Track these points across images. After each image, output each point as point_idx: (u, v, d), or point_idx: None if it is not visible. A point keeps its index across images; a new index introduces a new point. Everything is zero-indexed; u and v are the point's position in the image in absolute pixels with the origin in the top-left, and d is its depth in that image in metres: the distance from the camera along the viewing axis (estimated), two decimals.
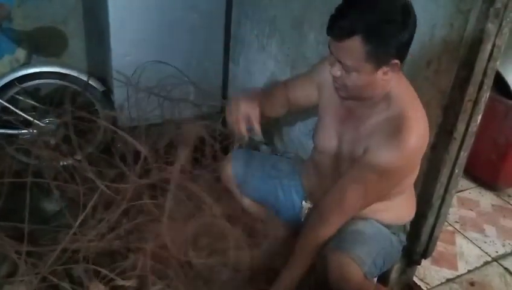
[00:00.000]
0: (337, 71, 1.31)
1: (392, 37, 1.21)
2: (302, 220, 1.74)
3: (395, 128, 1.31)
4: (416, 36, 1.52)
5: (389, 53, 1.23)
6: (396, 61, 1.25)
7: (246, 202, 1.86)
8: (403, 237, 1.60)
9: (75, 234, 1.72)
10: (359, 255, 1.39)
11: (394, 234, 1.55)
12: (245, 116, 1.45)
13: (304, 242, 1.47)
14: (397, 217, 1.57)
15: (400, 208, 1.56)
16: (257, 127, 1.46)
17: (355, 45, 1.20)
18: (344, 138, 1.49)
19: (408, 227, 1.63)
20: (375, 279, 1.57)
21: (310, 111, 2.11)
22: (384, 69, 1.26)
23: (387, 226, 1.54)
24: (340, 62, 1.28)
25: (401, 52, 1.26)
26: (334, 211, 1.43)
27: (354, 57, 1.23)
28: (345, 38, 1.21)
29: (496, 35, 1.39)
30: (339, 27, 1.21)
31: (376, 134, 1.35)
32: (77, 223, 1.69)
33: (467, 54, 1.43)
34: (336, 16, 1.23)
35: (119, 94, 2.31)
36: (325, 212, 1.44)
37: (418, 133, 1.31)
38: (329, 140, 1.55)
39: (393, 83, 1.34)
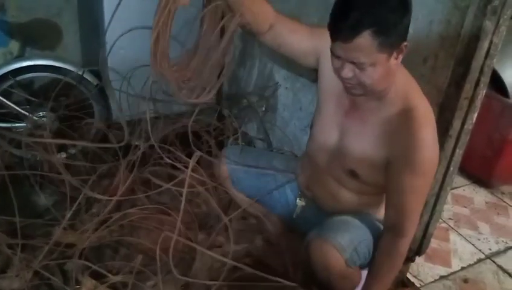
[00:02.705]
0: (349, 72, 1.25)
1: (398, 24, 1.19)
2: (294, 217, 1.73)
3: (412, 124, 1.29)
4: (413, 32, 1.51)
5: (398, 39, 1.22)
6: (405, 43, 1.24)
7: (240, 197, 1.86)
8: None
9: (67, 228, 1.72)
10: (340, 242, 1.40)
11: None
12: None
13: (391, 264, 1.46)
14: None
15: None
16: None
17: (366, 41, 1.17)
18: (347, 131, 1.47)
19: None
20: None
21: (305, 106, 2.11)
22: (395, 54, 1.24)
23: (381, 221, 1.54)
24: (352, 63, 1.23)
25: (407, 34, 1.24)
26: (409, 227, 1.39)
27: (366, 53, 1.19)
28: (354, 37, 1.17)
29: (493, 33, 1.39)
30: (346, 26, 1.17)
31: (395, 135, 1.34)
32: (67, 217, 1.68)
33: (463, 51, 1.42)
34: (337, 15, 1.20)
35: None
36: (402, 230, 1.39)
37: (433, 125, 1.32)
38: (329, 132, 1.52)
39: (398, 73, 1.33)
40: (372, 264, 1.48)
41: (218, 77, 1.62)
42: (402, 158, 1.33)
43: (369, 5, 1.17)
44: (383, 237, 1.44)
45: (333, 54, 1.27)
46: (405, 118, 1.31)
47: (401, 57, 1.27)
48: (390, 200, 1.42)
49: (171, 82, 1.51)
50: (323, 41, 1.39)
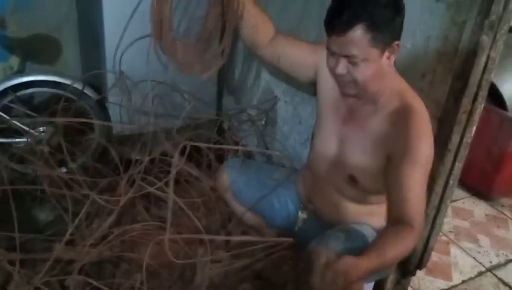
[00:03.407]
0: (343, 69, 1.31)
1: (391, 20, 1.26)
2: (296, 229, 1.73)
3: (409, 119, 1.33)
4: (411, 48, 1.53)
5: (390, 36, 1.28)
6: (397, 42, 1.30)
7: (241, 211, 1.86)
8: None
9: (68, 243, 1.71)
10: (336, 251, 1.38)
11: None
12: None
13: (394, 246, 1.29)
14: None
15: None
16: None
17: (359, 34, 1.24)
18: (346, 140, 1.49)
19: None
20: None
21: (304, 119, 2.12)
22: (387, 53, 1.31)
23: (378, 232, 1.54)
24: (346, 56, 1.29)
25: (399, 33, 1.31)
26: (416, 217, 1.31)
27: (360, 46, 1.26)
28: (348, 30, 1.24)
29: (491, 47, 1.40)
30: (340, 21, 1.25)
31: (393, 131, 1.36)
32: (68, 232, 1.67)
33: (461, 65, 1.43)
34: (333, 12, 1.28)
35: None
36: (408, 221, 1.30)
37: (429, 121, 1.36)
38: (328, 142, 1.54)
39: (392, 77, 1.39)
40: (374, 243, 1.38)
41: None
42: (401, 151, 1.33)
43: (362, 2, 1.25)
44: (386, 228, 1.36)
45: (328, 51, 1.34)
46: (402, 114, 1.35)
47: (393, 57, 1.33)
48: (391, 196, 1.36)
49: (173, 55, 1.51)
50: (321, 54, 1.48)
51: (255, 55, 1.99)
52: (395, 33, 1.30)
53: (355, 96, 1.41)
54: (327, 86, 1.52)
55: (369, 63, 1.29)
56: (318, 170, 1.61)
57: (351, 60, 1.29)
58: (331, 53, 1.34)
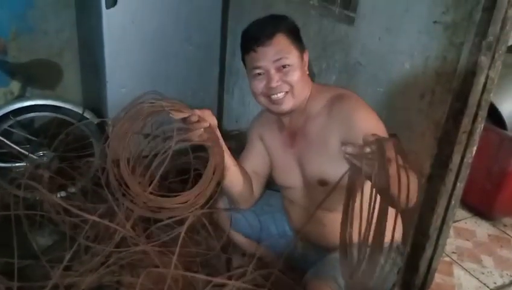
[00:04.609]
0: (277, 80, 1.40)
1: (298, 31, 1.47)
2: (296, 255, 1.71)
3: (341, 102, 1.40)
4: (409, 68, 1.54)
5: (301, 43, 1.47)
6: (306, 51, 1.47)
7: (238, 237, 1.83)
8: (398, 259, 1.57)
9: (66, 269, 1.69)
10: (336, 281, 1.37)
11: (387, 256, 1.52)
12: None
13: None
14: (388, 238, 1.54)
15: (388, 229, 1.53)
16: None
17: (281, 40, 1.40)
18: (301, 157, 1.53)
19: (401, 248, 1.60)
20: None
21: None
22: (304, 59, 1.46)
23: None
24: (275, 66, 1.39)
25: (304, 47, 1.48)
26: None
27: (286, 50, 1.40)
28: (274, 37, 1.39)
29: (489, 68, 1.41)
30: (265, 33, 1.39)
31: (332, 118, 1.41)
32: (67, 258, 1.66)
33: (460, 86, 1.44)
34: (254, 29, 1.44)
35: None
36: None
37: (359, 98, 1.42)
38: (290, 172, 1.58)
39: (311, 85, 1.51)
40: None
41: None
42: (348, 128, 1.34)
43: (276, 19, 1.46)
44: None
45: (255, 71, 1.43)
46: (332, 103, 1.43)
47: (306, 68, 1.47)
48: None
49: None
50: (253, 129, 1.68)
51: None
52: (302, 43, 1.47)
53: (291, 109, 1.46)
54: (269, 137, 1.63)
55: (295, 67, 1.41)
56: (295, 201, 1.63)
57: (280, 66, 1.39)
58: (257, 74, 1.42)
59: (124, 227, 1.74)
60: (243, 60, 1.49)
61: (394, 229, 1.02)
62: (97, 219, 1.68)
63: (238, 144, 2.46)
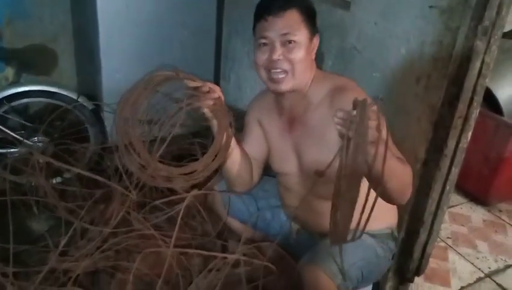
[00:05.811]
0: (279, 54, 1.39)
1: (314, 12, 1.45)
2: (291, 241, 1.71)
3: (344, 95, 1.37)
4: (405, 53, 1.53)
5: (314, 26, 1.45)
6: (318, 35, 1.46)
7: (233, 223, 1.83)
8: (392, 245, 1.58)
9: (63, 254, 1.70)
10: (330, 267, 1.38)
11: (382, 242, 1.54)
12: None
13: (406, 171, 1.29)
14: (382, 224, 1.55)
15: (383, 214, 1.53)
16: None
17: (293, 16, 1.39)
18: (299, 143, 1.52)
19: (396, 234, 1.61)
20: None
21: None
22: (313, 42, 1.44)
23: (373, 236, 1.52)
24: (281, 40, 1.38)
25: (317, 30, 1.47)
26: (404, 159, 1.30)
27: (295, 27, 1.39)
28: (286, 10, 1.39)
29: (485, 53, 1.40)
30: (277, 4, 1.39)
31: (331, 111, 1.32)
32: (62, 243, 1.66)
33: (456, 71, 1.44)
34: (269, 1, 1.41)
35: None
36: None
37: (362, 91, 1.41)
38: (287, 158, 1.57)
39: (315, 71, 1.49)
40: None
41: None
42: None
43: None
44: None
45: (259, 43, 1.42)
46: (335, 94, 1.42)
47: (313, 53, 1.46)
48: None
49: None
50: (251, 112, 1.68)
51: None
52: (315, 27, 1.46)
53: (290, 90, 1.44)
54: (266, 120, 1.62)
55: (301, 46, 1.40)
56: (290, 187, 1.62)
57: (286, 41, 1.38)
58: (262, 44, 1.42)
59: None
60: (254, 28, 1.47)
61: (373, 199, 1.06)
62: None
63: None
